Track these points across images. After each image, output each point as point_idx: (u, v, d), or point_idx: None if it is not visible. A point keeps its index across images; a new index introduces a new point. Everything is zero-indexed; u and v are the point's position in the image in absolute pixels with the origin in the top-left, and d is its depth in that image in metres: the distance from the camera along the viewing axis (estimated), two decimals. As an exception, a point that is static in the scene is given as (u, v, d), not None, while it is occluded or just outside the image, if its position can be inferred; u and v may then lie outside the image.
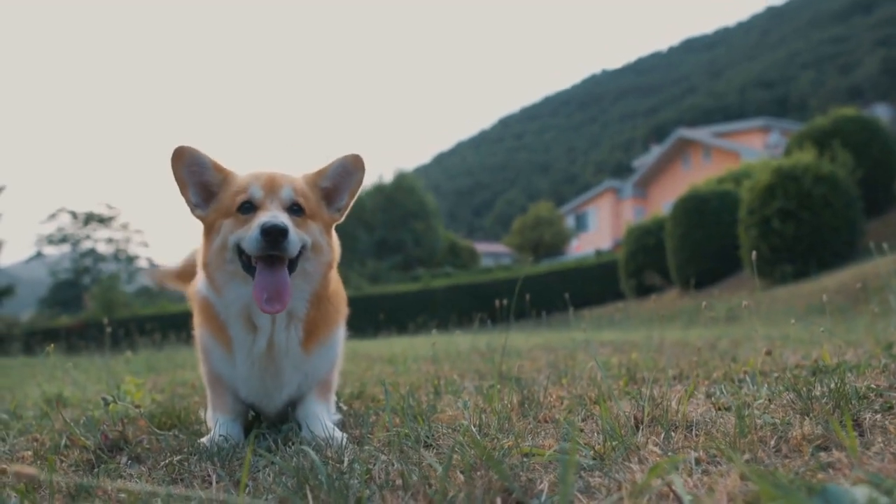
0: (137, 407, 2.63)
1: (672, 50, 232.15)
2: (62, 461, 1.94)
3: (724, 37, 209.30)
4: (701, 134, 48.83)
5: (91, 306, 31.66)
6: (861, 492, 0.99)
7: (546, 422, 2.02)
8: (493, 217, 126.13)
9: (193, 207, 2.16)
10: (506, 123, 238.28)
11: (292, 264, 2.04)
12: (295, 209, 2.09)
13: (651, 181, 52.85)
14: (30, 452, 2.13)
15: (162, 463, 1.81)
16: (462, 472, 1.33)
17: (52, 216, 56.29)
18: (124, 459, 1.95)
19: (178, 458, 1.82)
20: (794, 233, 16.13)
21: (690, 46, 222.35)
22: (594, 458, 1.46)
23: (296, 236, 1.98)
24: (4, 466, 1.74)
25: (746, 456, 1.38)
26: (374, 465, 1.55)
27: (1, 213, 28.09)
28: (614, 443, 1.52)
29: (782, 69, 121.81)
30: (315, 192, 2.21)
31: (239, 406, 2.33)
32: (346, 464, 1.55)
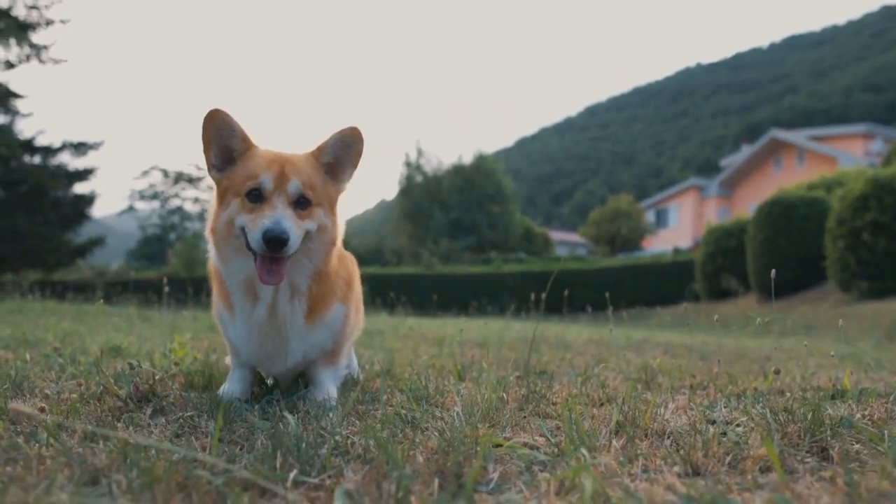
0: (177, 364, 2.85)
1: (773, 46, 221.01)
2: (97, 406, 2.15)
3: (831, 35, 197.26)
4: (796, 136, 46.50)
5: (174, 262, 33.27)
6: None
7: (540, 416, 2.08)
8: (572, 206, 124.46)
9: (211, 167, 2.28)
10: (592, 112, 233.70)
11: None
12: (301, 202, 2.18)
13: (738, 182, 50.84)
14: (75, 395, 2.35)
15: (177, 416, 1.99)
16: (422, 455, 1.43)
17: (145, 173, 59.66)
18: (150, 410, 2.14)
19: (190, 413, 2.00)
20: (886, 247, 15.24)
21: (794, 44, 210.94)
22: (556, 456, 1.52)
23: (297, 238, 2.10)
24: (43, 405, 1.95)
25: (677, 468, 1.41)
26: (359, 439, 1.66)
27: (97, 168, 29.60)
28: (576, 444, 1.57)
29: (894, 73, 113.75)
30: (319, 172, 2.29)
31: (246, 365, 2.51)
32: (325, 434, 1.67)
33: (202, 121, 2.20)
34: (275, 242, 2.01)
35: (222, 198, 2.24)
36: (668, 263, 30.46)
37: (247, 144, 2.27)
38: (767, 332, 11.21)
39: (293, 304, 2.30)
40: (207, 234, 2.33)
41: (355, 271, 2.71)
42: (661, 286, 27.04)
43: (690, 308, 21.34)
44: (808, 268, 19.24)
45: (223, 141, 2.25)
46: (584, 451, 1.45)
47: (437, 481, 1.24)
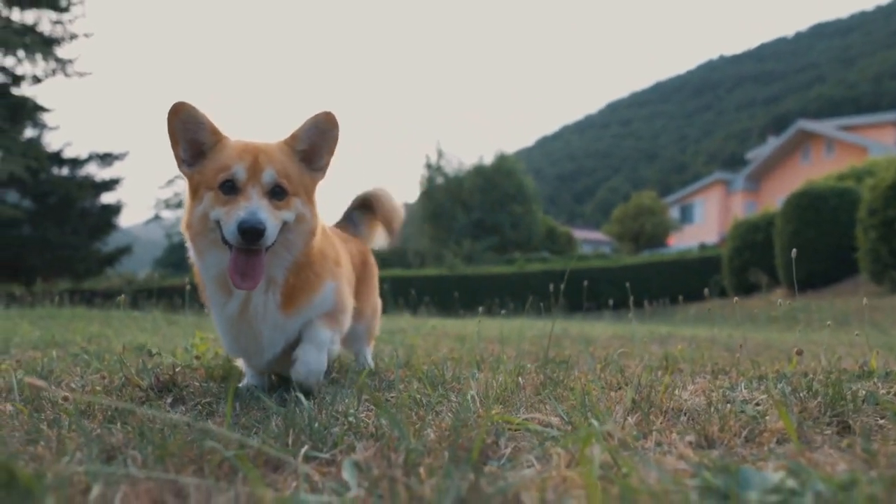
0: (197, 358, 2.90)
1: (799, 35, 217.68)
2: (119, 396, 2.19)
3: (860, 22, 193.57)
4: (824, 126, 45.65)
5: (200, 269, 33.78)
6: (774, 476, 1.01)
7: (556, 400, 2.07)
8: (595, 204, 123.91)
9: (181, 163, 2.23)
10: (614, 108, 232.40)
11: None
12: (277, 191, 2.12)
13: (765, 174, 50.07)
14: (99, 388, 2.40)
15: (195, 403, 2.02)
16: (435, 432, 1.43)
17: (170, 182, 60.88)
18: (170, 399, 2.17)
19: (209, 400, 2.03)
20: (920, 238, 14.87)
21: (821, 32, 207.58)
22: (569, 433, 1.51)
23: (274, 228, 2.05)
24: (66, 394, 1.99)
25: (690, 438, 1.40)
26: (373, 420, 1.67)
27: (123, 178, 30.26)
28: (591, 420, 1.57)
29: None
30: (294, 160, 2.22)
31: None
32: (339, 416, 1.69)
33: (166, 115, 2.14)
34: (251, 234, 1.96)
35: (195, 192, 2.19)
36: (695, 259, 30.10)
37: (216, 137, 2.20)
38: (795, 321, 10.99)
39: (266, 296, 2.24)
40: (182, 229, 2.29)
41: (343, 250, 2.62)
42: (688, 282, 26.65)
43: (717, 303, 21.06)
44: (839, 260, 18.87)
45: (190, 135, 2.19)
46: (595, 422, 1.44)
47: (446, 454, 1.24)
